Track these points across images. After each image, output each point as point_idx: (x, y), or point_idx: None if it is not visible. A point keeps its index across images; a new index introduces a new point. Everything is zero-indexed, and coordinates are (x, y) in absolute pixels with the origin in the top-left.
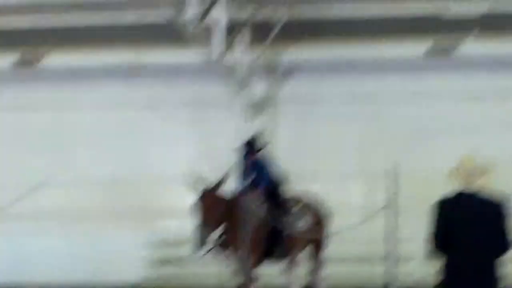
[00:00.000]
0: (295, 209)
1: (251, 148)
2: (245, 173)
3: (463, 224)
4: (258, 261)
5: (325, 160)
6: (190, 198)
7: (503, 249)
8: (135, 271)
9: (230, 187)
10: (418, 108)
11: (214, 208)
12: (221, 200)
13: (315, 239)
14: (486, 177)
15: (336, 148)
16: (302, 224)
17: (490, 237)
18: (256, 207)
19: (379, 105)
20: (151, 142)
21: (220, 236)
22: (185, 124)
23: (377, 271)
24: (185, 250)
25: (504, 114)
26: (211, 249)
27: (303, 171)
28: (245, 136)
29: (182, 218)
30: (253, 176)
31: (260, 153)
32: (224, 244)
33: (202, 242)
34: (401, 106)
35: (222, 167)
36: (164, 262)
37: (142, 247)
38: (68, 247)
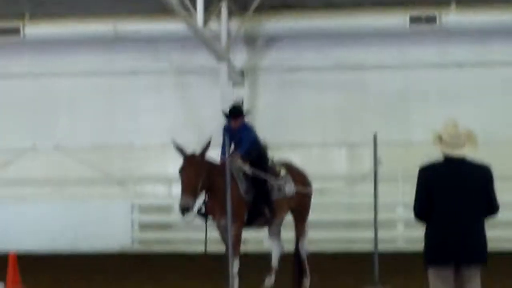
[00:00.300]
0: (280, 175)
1: (235, 113)
2: (230, 138)
3: (450, 189)
4: (243, 227)
5: (307, 128)
6: (173, 165)
7: (490, 213)
8: (121, 237)
9: (215, 153)
10: (400, 77)
11: (198, 174)
12: (204, 166)
13: (299, 205)
14: (471, 143)
15: (318, 117)
16: (287, 189)
17: (477, 201)
18: (240, 173)
19: (361, 74)
20: (135, 109)
21: (204, 202)
22: (169, 91)
23: (361, 237)
24: (170, 216)
25: (484, 83)
26: (196, 214)
27: (285, 139)
28: (229, 103)
29: (166, 185)
30: (237, 140)
31: (243, 118)
32: (209, 210)
33: (187, 208)
34: (382, 75)
35: (206, 134)
36: (149, 227)
37: (128, 213)
38: (52, 214)
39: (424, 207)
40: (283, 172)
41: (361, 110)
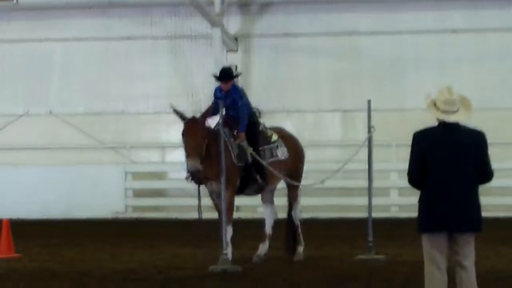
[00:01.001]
0: (272, 140)
1: (225, 75)
2: (223, 101)
3: (444, 155)
4: (235, 193)
5: (301, 94)
6: (167, 131)
7: (484, 179)
8: (114, 203)
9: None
10: (394, 43)
11: (202, 137)
12: (204, 131)
13: (292, 171)
14: (465, 109)
15: (312, 83)
16: (279, 154)
17: (471, 167)
18: (234, 139)
19: (355, 40)
20: (129, 75)
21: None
22: (163, 57)
23: (355, 204)
24: (164, 183)
25: (480, 49)
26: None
27: (279, 105)
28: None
29: (159, 151)
30: (228, 103)
31: (233, 81)
32: (203, 176)
33: (196, 171)
34: (377, 41)
35: (200, 99)
36: (143, 194)
37: (121, 179)
38: (46, 180)
39: (418, 173)
40: (274, 137)
41: (355, 76)
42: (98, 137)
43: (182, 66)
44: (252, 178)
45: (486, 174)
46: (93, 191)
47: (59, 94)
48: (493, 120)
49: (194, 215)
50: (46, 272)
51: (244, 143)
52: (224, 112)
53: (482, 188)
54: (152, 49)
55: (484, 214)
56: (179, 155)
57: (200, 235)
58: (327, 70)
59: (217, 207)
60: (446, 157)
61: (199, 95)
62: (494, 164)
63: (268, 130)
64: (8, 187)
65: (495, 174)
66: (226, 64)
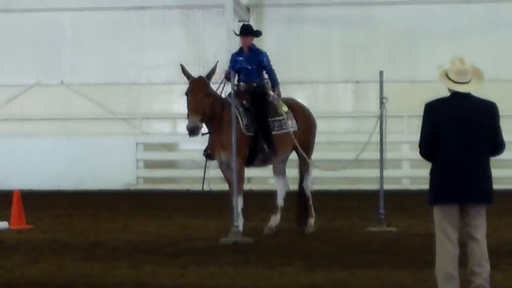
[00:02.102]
0: (282, 111)
1: (246, 31)
2: (239, 63)
3: (455, 126)
4: (244, 163)
5: (313, 65)
6: (179, 102)
7: (496, 150)
8: (126, 175)
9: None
10: (407, 13)
11: (205, 95)
12: (210, 90)
13: (303, 142)
14: (477, 80)
15: (324, 54)
16: (289, 126)
17: (482, 138)
18: (240, 108)
19: (368, 10)
20: (140, 45)
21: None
22: (175, 27)
23: (367, 176)
24: (175, 154)
25: (493, 19)
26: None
27: (291, 76)
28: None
29: (171, 122)
30: (248, 64)
31: (253, 38)
32: (210, 146)
33: (195, 128)
34: (389, 11)
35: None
36: (154, 165)
37: (133, 150)
38: (57, 151)
39: (429, 145)
40: (285, 108)
41: (367, 47)
42: (110, 107)
43: (194, 36)
44: (260, 148)
45: (497, 145)
46: (105, 162)
47: (70, 65)
48: (505, 91)
49: (205, 186)
50: (58, 243)
51: (279, 102)
52: (236, 79)
53: (493, 160)
54: (163, 19)
55: (495, 186)
56: None
57: (211, 207)
58: (339, 41)
59: (227, 178)
60: (457, 128)
61: (211, 65)
62: (506, 136)
63: (279, 101)
64: (20, 158)
65: (507, 146)
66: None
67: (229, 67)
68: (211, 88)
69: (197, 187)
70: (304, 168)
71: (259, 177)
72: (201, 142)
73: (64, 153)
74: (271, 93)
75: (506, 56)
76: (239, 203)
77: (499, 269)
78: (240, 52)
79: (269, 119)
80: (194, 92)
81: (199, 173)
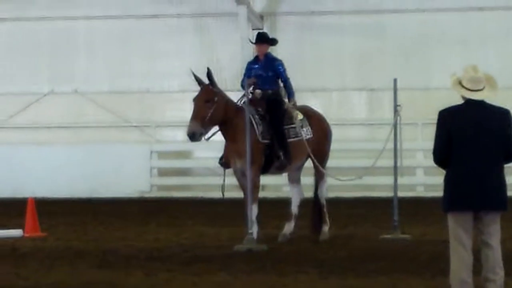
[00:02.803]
0: (297, 119)
1: (262, 39)
2: (255, 70)
3: (469, 133)
4: (260, 171)
5: (326, 73)
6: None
7: (510, 158)
8: (140, 183)
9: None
10: (419, 21)
11: (207, 101)
12: (216, 95)
13: (317, 150)
14: (490, 87)
15: (337, 62)
16: (304, 133)
17: (496, 145)
18: (259, 116)
19: (380, 18)
20: (153, 53)
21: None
22: (188, 35)
23: (381, 183)
24: (189, 162)
25: (505, 27)
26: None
27: (304, 84)
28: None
29: (185, 130)
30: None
31: (268, 46)
32: (225, 154)
33: (193, 133)
34: (402, 19)
35: (225, 78)
36: (168, 173)
37: (146, 158)
38: (70, 159)
39: (443, 152)
40: (300, 116)
41: (380, 55)
42: (123, 115)
43: (207, 44)
44: (276, 155)
45: (511, 152)
46: (118, 170)
47: (84, 73)
48: None
49: (219, 194)
50: (72, 250)
51: (294, 110)
52: (251, 89)
53: (507, 167)
54: (177, 27)
55: (510, 193)
56: None
57: (225, 214)
58: (352, 49)
59: (242, 186)
60: (472, 135)
61: (225, 73)
62: None
63: (294, 109)
64: (33, 166)
65: None
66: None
67: (244, 75)
68: (219, 94)
69: (210, 194)
70: (319, 176)
71: (273, 184)
72: (215, 149)
73: (78, 161)
74: (287, 101)
75: None
76: (253, 210)
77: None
78: (255, 60)
79: (284, 127)
80: (196, 99)
81: (213, 180)
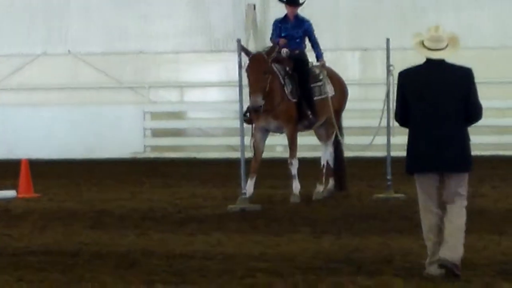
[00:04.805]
0: (320, 77)
1: (295, 1)
2: (282, 30)
3: (428, 93)
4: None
5: (320, 33)
6: (185, 71)
7: (472, 117)
8: (133, 143)
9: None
10: None
11: (265, 72)
12: (266, 66)
13: (337, 108)
14: (452, 47)
15: (331, 21)
16: (328, 91)
17: (457, 105)
18: (287, 76)
19: None
20: (147, 14)
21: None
22: None
23: (374, 143)
24: (183, 122)
25: None
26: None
27: None
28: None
29: (178, 91)
30: (294, 32)
31: (298, 7)
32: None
33: (258, 107)
34: None
35: (218, 39)
36: (162, 134)
37: (140, 119)
38: (64, 120)
39: (404, 113)
40: (322, 74)
41: (374, 15)
42: (117, 77)
43: (201, 4)
44: (304, 114)
45: (473, 112)
46: (112, 131)
47: (77, 34)
48: None
49: (212, 154)
50: (65, 211)
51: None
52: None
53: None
54: None
55: (474, 152)
56: (197, 94)
57: (218, 175)
58: (346, 8)
59: (257, 144)
60: (428, 96)
61: (217, 33)
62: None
63: (319, 67)
64: (27, 128)
65: (488, 112)
66: (243, 2)
67: (273, 33)
68: (270, 65)
69: (204, 155)
70: (328, 134)
71: (266, 145)
72: (208, 110)
73: (71, 122)
74: (315, 61)
75: None
76: (294, 164)
77: (508, 234)
78: (285, 19)
79: (311, 85)
80: (252, 71)
81: (206, 141)
